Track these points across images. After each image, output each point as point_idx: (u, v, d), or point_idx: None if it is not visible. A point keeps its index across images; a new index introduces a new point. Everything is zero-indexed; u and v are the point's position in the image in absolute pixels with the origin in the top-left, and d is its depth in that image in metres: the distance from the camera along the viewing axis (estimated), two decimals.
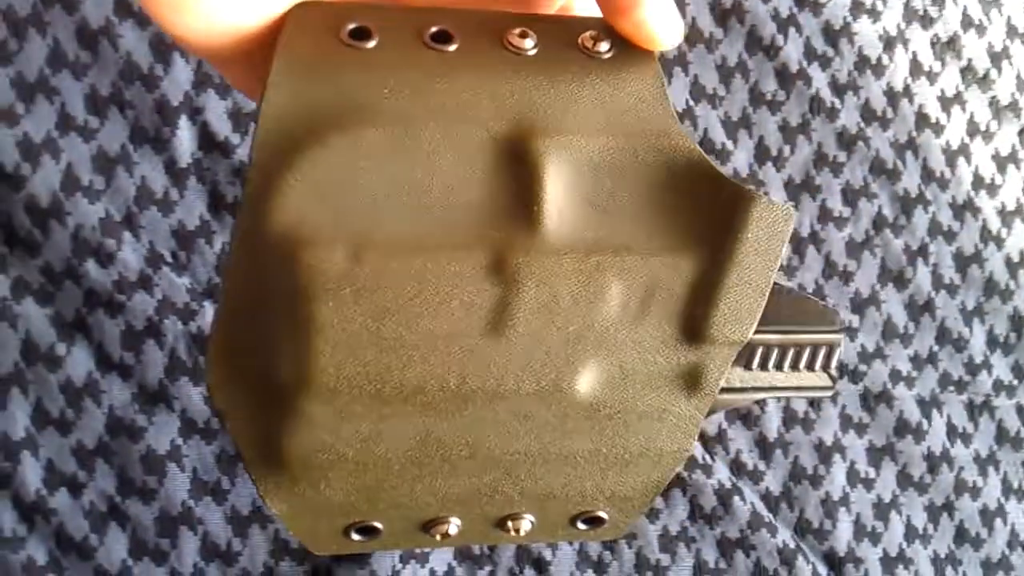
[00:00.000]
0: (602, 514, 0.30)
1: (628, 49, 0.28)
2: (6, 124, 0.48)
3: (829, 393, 0.31)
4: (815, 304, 0.30)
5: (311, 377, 0.25)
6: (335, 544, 0.29)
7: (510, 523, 0.29)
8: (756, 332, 0.28)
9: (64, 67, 0.49)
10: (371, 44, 0.27)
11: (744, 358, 0.29)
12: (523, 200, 0.27)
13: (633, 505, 0.30)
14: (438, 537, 0.29)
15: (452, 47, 0.27)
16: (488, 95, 0.27)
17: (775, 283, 0.28)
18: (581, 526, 0.30)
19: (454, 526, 0.29)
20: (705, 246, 0.27)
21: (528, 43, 0.27)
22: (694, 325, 0.27)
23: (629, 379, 0.27)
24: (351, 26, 0.27)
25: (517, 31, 0.27)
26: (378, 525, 0.29)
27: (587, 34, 0.28)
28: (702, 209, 0.27)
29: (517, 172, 0.27)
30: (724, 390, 0.29)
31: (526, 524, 0.30)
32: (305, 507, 0.28)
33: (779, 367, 0.30)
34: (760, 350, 0.29)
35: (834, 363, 0.31)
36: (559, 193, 0.27)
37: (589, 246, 0.27)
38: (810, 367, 0.30)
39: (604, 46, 0.28)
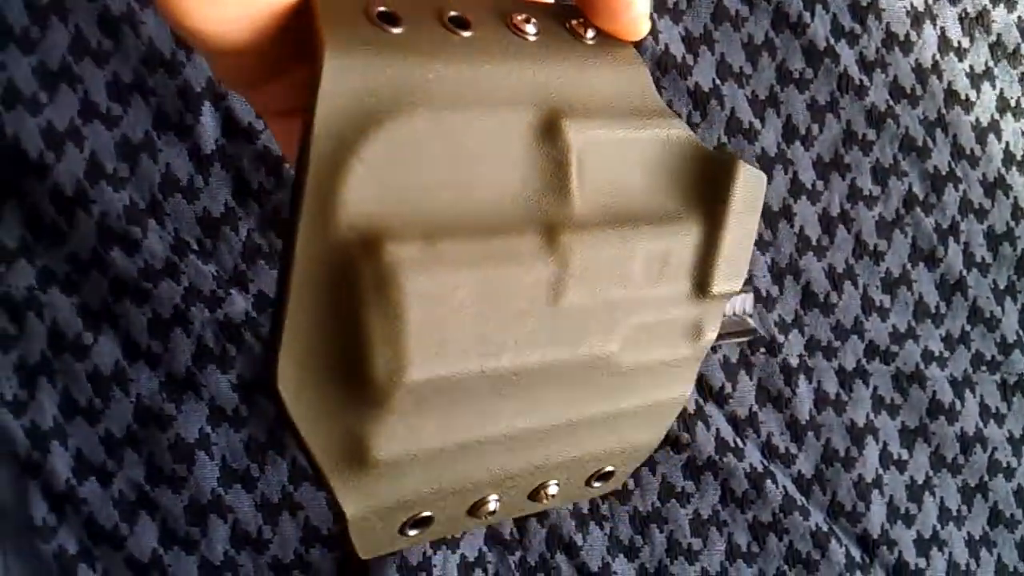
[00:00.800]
0: (611, 468, 0.34)
1: (607, 37, 0.31)
2: (29, 112, 0.48)
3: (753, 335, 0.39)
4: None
5: (406, 362, 0.25)
6: (387, 545, 0.30)
7: (541, 492, 0.32)
8: None
9: (86, 55, 0.49)
10: (399, 29, 0.27)
11: None
12: (559, 177, 0.28)
13: (638, 456, 0.35)
14: (483, 518, 0.31)
15: (470, 33, 0.28)
16: (517, 78, 0.28)
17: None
18: (596, 484, 0.34)
19: (493, 503, 0.31)
20: (702, 212, 0.31)
21: (531, 28, 0.29)
22: (701, 279, 0.31)
23: (648, 335, 0.31)
24: (379, 9, 0.27)
25: (521, 16, 0.29)
26: (430, 514, 0.30)
27: (574, 21, 0.30)
28: (694, 178, 0.31)
29: (551, 151, 0.28)
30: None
31: (552, 489, 0.33)
32: (377, 508, 0.28)
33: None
34: None
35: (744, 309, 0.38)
36: (583, 169, 0.29)
37: (612, 218, 0.29)
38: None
39: (590, 33, 0.30)
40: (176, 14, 0.25)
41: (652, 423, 0.34)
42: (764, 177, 0.32)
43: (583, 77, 0.30)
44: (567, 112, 0.29)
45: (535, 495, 0.32)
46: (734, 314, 0.41)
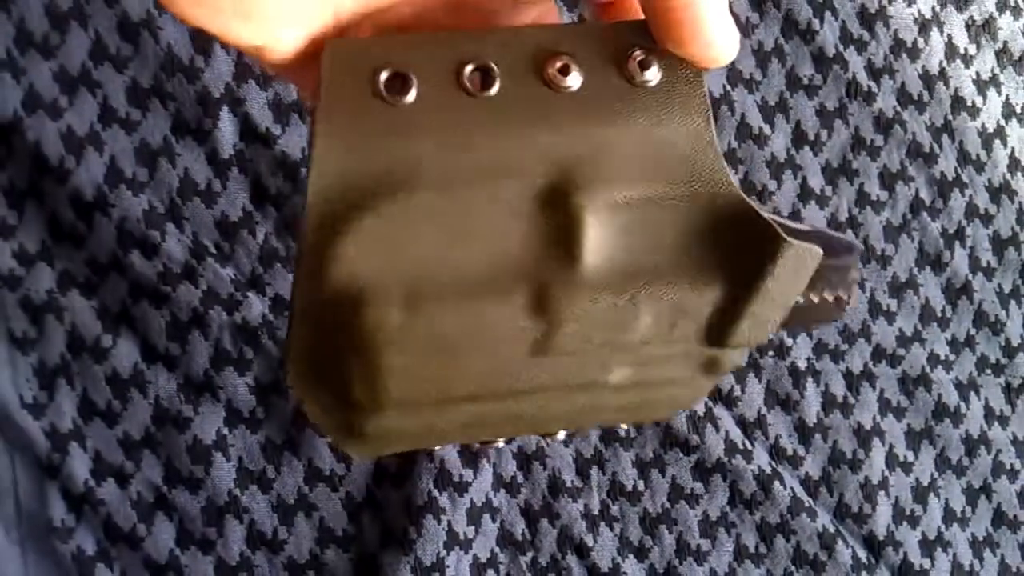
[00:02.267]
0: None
1: (675, 72, 0.27)
2: (49, 117, 0.48)
3: (843, 315, 0.33)
4: (836, 238, 0.33)
5: (380, 403, 0.29)
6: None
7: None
8: None
9: (106, 60, 0.49)
10: (410, 98, 0.27)
11: None
12: (564, 244, 0.27)
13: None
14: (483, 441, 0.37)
15: (493, 90, 0.27)
16: (530, 147, 0.27)
17: (797, 228, 0.30)
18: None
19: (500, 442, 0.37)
20: (733, 282, 0.28)
21: (570, 80, 0.27)
22: (719, 336, 0.30)
23: (656, 374, 0.31)
24: (386, 75, 0.26)
25: (559, 65, 0.27)
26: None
27: (635, 56, 0.27)
28: (734, 247, 0.28)
29: (557, 221, 0.27)
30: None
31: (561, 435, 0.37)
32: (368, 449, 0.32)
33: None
34: None
35: (851, 281, 0.32)
36: (598, 235, 0.27)
37: (625, 279, 0.28)
38: (826, 294, 0.32)
39: (651, 73, 0.27)
40: (221, 37, 0.26)
41: (659, 412, 0.35)
42: (818, 254, 0.29)
43: (623, 138, 0.27)
44: (590, 182, 0.27)
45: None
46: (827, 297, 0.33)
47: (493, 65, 0.27)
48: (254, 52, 0.27)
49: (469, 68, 0.27)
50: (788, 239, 0.28)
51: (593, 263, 0.28)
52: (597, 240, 0.27)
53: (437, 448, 0.50)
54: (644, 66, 0.27)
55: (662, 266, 0.28)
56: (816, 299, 0.31)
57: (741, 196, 0.28)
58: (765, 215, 0.28)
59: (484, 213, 0.27)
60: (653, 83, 0.27)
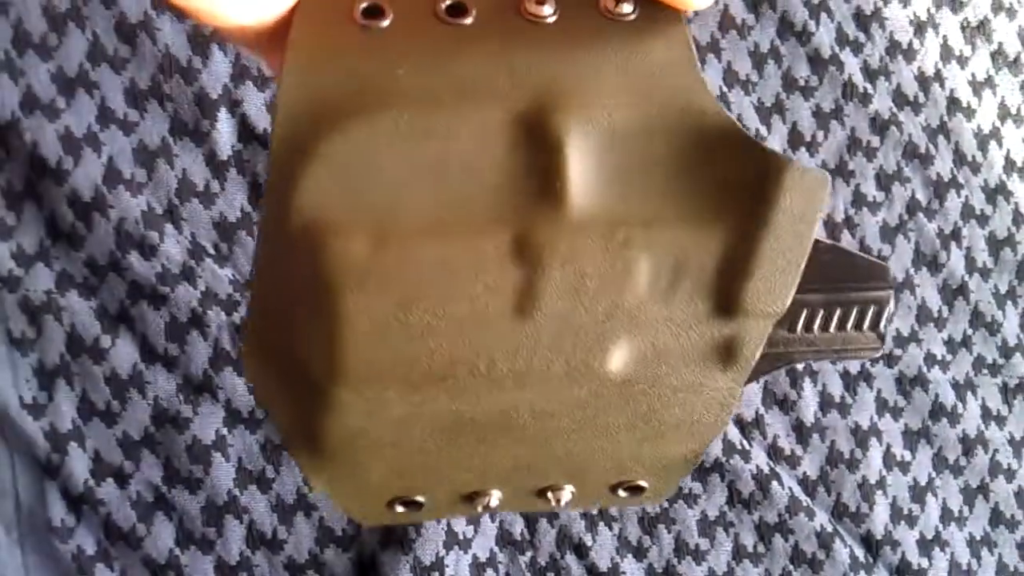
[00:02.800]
0: (642, 483, 0.30)
1: (653, 10, 0.26)
2: (48, 118, 0.48)
3: (878, 353, 0.29)
4: (862, 259, 0.29)
5: (339, 369, 0.25)
6: (382, 516, 0.29)
7: (550, 494, 0.29)
8: (798, 292, 0.27)
9: (104, 61, 0.49)
10: (385, 23, 0.26)
11: (787, 321, 0.27)
12: (546, 177, 0.26)
13: (672, 473, 0.30)
14: (479, 508, 0.30)
15: (468, 20, 0.26)
16: (506, 71, 0.26)
17: (819, 240, 0.27)
18: (622, 494, 0.30)
19: (495, 499, 0.29)
20: (736, 216, 0.26)
21: (546, 9, 0.26)
22: (728, 299, 0.26)
23: (662, 356, 0.27)
24: (364, 5, 0.26)
25: None
26: (420, 499, 0.29)
27: None
28: (732, 177, 0.26)
29: (538, 149, 0.26)
30: (767, 355, 0.28)
31: (566, 495, 0.29)
32: (348, 485, 0.28)
33: (825, 328, 0.28)
34: (804, 311, 0.28)
35: (884, 322, 0.29)
36: (582, 167, 0.26)
37: (615, 219, 0.26)
38: (858, 327, 0.29)
39: (627, 7, 0.26)
40: (202, 16, 0.26)
41: (680, 442, 0.29)
42: (827, 179, 0.26)
43: (601, 62, 0.26)
44: (568, 105, 0.26)
45: (542, 495, 0.30)
46: (855, 327, 0.30)
47: (468, 2, 0.26)
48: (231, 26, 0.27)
49: (445, 2, 0.26)
50: (792, 159, 0.25)
51: (578, 196, 0.26)
52: (581, 170, 0.26)
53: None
54: (619, 0, 0.27)
55: (655, 204, 0.26)
56: (843, 333, 0.29)
57: (733, 121, 0.26)
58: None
59: (459, 137, 0.26)
60: (630, 17, 0.26)
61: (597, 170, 0.26)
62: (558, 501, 0.30)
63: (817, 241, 0.27)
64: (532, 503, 0.30)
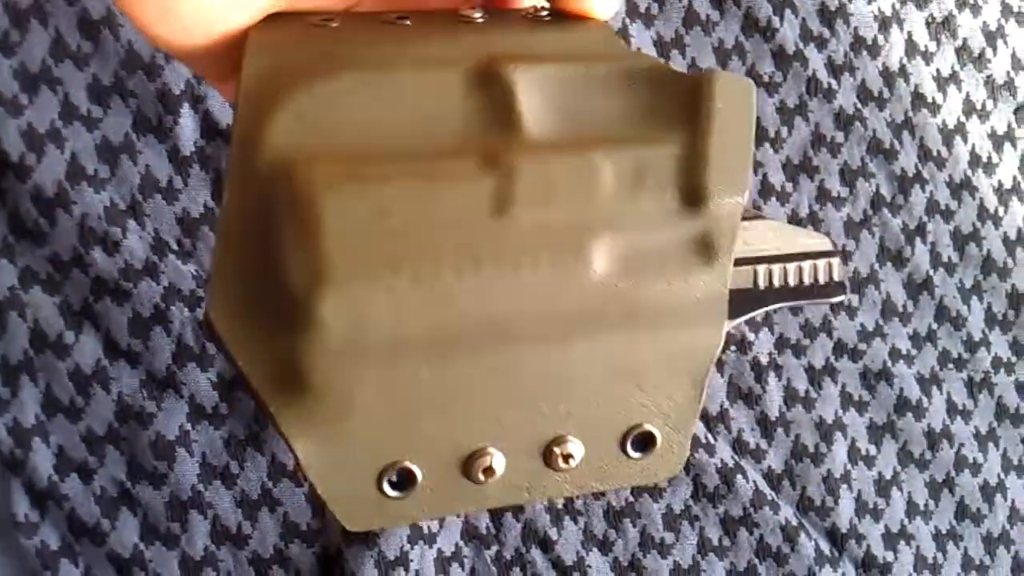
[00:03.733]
0: (653, 430, 0.29)
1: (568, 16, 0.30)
2: (10, 114, 0.48)
3: (844, 296, 0.32)
4: (807, 233, 0.32)
5: (322, 270, 0.25)
6: (372, 511, 0.27)
7: (556, 450, 0.28)
8: (754, 262, 0.30)
9: (66, 57, 0.49)
10: (335, 24, 0.29)
11: (750, 278, 0.30)
12: (502, 114, 0.28)
13: (680, 415, 0.30)
14: (481, 475, 0.28)
15: (408, 22, 0.29)
16: (453, 46, 0.28)
17: (766, 218, 0.31)
18: (634, 454, 0.29)
19: (498, 459, 0.28)
20: (681, 125, 0.28)
21: (477, 13, 0.29)
22: (691, 189, 0.28)
23: (642, 254, 0.28)
24: (318, 18, 0.29)
25: (467, 7, 0.30)
26: (414, 469, 0.27)
27: (528, 7, 0.31)
28: (669, 99, 0.28)
29: (491, 93, 0.28)
30: (742, 295, 0.30)
31: (574, 448, 0.28)
32: (332, 445, 0.26)
33: (785, 282, 0.31)
34: (762, 271, 0.30)
35: (838, 271, 0.32)
36: (534, 103, 0.28)
37: (573, 140, 0.28)
38: (815, 281, 0.31)
39: (545, 13, 0.30)
40: (142, 27, 0.28)
41: (681, 375, 0.29)
42: (751, 85, 0.29)
43: (534, 37, 0.30)
44: (510, 59, 0.28)
45: (548, 455, 0.28)
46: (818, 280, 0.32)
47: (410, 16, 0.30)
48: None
49: (392, 16, 0.30)
50: (716, 70, 0.29)
51: (534, 125, 0.28)
52: (533, 106, 0.28)
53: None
54: (538, 9, 0.31)
55: (606, 128, 0.28)
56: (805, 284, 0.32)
57: (661, 61, 0.29)
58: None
59: (418, 91, 0.27)
60: (548, 18, 0.31)
61: (547, 106, 0.28)
62: (567, 460, 0.28)
63: (764, 218, 0.30)
64: (538, 472, 0.29)
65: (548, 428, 0.28)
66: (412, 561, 0.51)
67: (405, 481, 0.27)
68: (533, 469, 0.28)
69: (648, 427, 0.29)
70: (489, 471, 0.28)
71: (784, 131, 0.56)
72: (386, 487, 0.27)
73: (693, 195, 0.28)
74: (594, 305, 0.27)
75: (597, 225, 0.27)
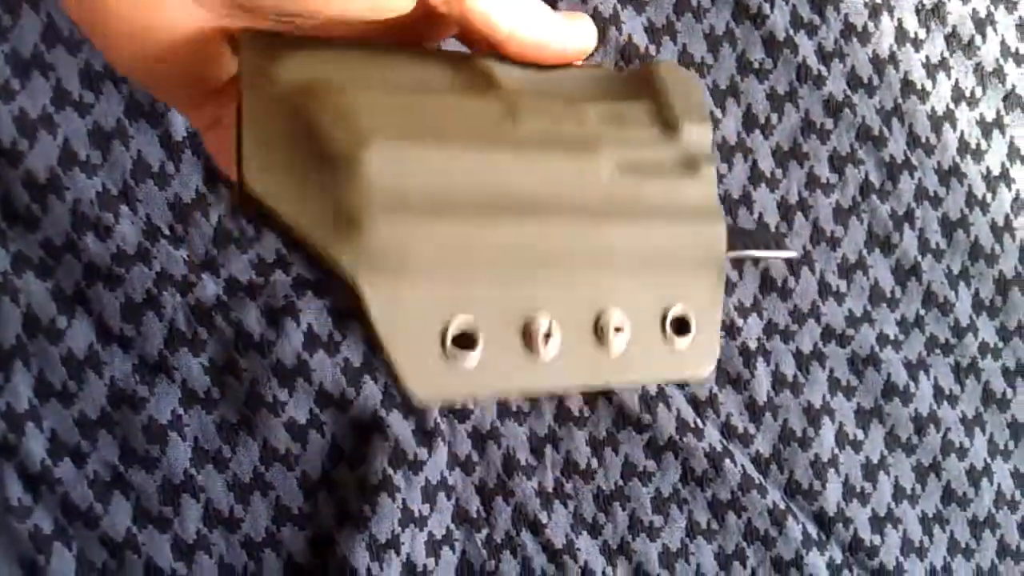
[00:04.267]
0: (686, 313, 0.31)
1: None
2: (2, 100, 0.49)
3: (796, 254, 0.39)
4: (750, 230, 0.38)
5: (366, 129, 0.26)
6: (436, 370, 0.27)
7: (606, 322, 0.30)
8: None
9: (58, 42, 0.49)
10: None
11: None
12: (488, 80, 0.31)
13: (706, 300, 0.32)
14: (541, 344, 0.28)
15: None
16: (438, 55, 0.31)
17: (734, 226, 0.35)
18: (673, 335, 0.31)
19: (554, 328, 0.29)
20: (645, 95, 0.33)
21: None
22: (664, 123, 0.32)
23: (637, 167, 0.31)
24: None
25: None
26: (475, 326, 0.27)
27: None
28: (630, 85, 0.33)
29: (471, 73, 0.31)
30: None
31: (622, 322, 0.30)
32: (394, 293, 0.27)
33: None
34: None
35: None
36: (513, 79, 0.31)
37: (555, 102, 0.31)
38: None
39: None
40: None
41: (699, 262, 0.32)
42: (689, 73, 0.34)
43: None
44: (486, 60, 0.31)
45: (600, 333, 0.29)
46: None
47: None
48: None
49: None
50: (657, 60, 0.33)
51: (516, 86, 0.31)
52: (512, 79, 0.31)
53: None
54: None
55: (583, 105, 0.32)
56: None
57: (611, 70, 0.34)
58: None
59: (411, 67, 0.30)
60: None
61: (527, 84, 0.31)
62: (617, 330, 0.30)
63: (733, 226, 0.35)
64: (592, 351, 0.29)
65: (595, 298, 0.30)
66: (403, 544, 0.51)
67: (468, 341, 0.27)
68: (587, 344, 0.29)
69: (681, 308, 0.31)
70: (548, 337, 0.28)
71: (774, 118, 0.56)
72: (449, 344, 0.27)
73: (668, 126, 0.32)
74: (609, 193, 0.30)
75: (594, 138, 0.30)
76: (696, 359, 0.31)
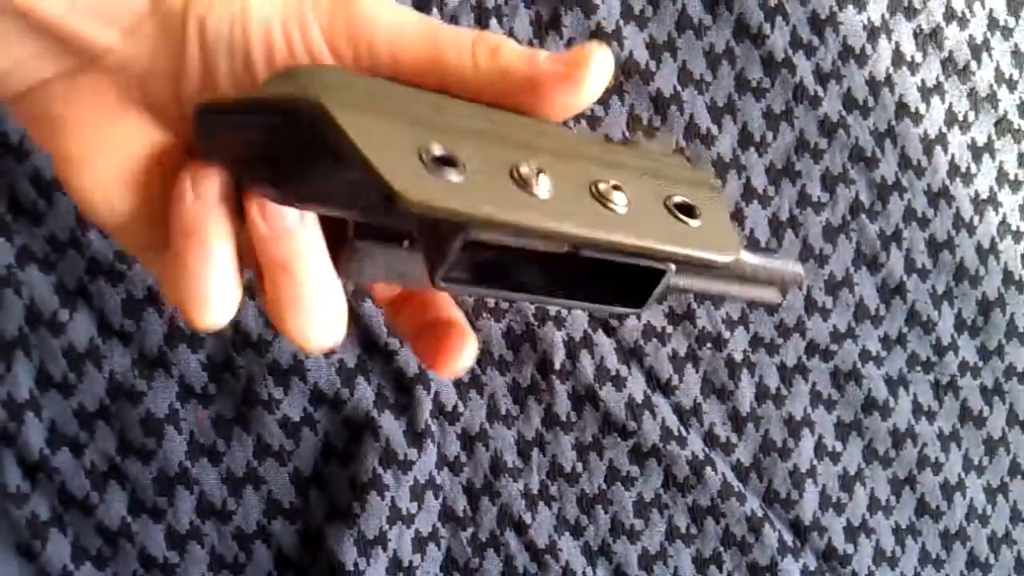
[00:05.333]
0: (691, 201, 0.28)
1: None
2: None
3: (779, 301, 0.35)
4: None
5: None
6: (422, 180, 0.24)
7: (602, 186, 0.26)
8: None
9: None
10: None
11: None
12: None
13: (711, 202, 0.29)
14: (535, 183, 0.25)
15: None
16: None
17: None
18: (678, 213, 0.28)
19: (544, 179, 0.25)
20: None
21: None
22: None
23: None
24: None
25: None
26: (455, 152, 0.25)
27: None
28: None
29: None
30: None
31: (619, 194, 0.26)
32: (373, 119, 0.25)
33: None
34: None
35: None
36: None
37: None
38: None
39: None
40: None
41: (697, 182, 0.30)
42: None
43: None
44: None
45: (596, 193, 0.26)
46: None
47: None
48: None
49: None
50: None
51: None
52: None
53: None
54: None
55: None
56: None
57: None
58: None
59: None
60: None
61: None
62: (615, 188, 0.26)
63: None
64: (589, 204, 0.26)
65: (592, 170, 0.27)
66: (390, 541, 0.53)
67: (449, 161, 0.24)
68: (584, 196, 0.26)
69: (682, 198, 0.28)
70: (539, 175, 0.25)
71: (769, 136, 0.57)
72: (429, 162, 0.24)
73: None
74: (607, 155, 0.28)
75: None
76: (713, 241, 0.27)
